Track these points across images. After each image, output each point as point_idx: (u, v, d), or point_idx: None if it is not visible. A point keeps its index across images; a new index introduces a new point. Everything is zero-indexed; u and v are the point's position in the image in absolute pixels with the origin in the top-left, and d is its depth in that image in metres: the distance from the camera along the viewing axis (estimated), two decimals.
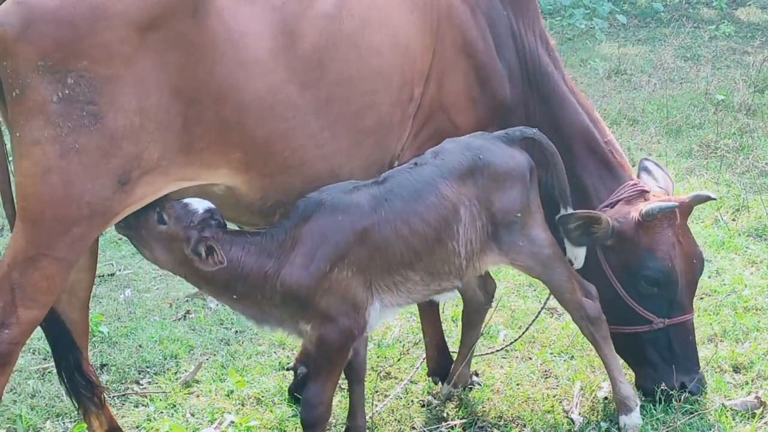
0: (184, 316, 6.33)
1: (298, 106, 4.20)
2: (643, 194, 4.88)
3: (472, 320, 5.08)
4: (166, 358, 5.73)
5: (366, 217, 4.20)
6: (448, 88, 4.68)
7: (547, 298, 5.26)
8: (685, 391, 4.82)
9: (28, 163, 3.85)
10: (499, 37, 4.82)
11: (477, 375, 5.28)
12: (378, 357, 5.58)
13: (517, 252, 4.50)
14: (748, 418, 4.77)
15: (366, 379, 4.69)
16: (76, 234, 3.94)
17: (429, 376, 5.31)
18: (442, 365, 5.26)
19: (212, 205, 4.17)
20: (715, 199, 5.23)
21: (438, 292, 4.49)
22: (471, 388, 5.17)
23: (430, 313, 5.22)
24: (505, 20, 4.85)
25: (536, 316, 5.42)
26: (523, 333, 5.44)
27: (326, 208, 4.19)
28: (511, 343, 5.50)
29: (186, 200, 4.15)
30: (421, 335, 5.37)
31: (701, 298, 6.04)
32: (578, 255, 4.73)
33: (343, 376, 4.52)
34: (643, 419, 4.73)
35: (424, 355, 5.36)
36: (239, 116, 4.08)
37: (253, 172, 4.22)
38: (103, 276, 6.78)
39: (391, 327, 5.90)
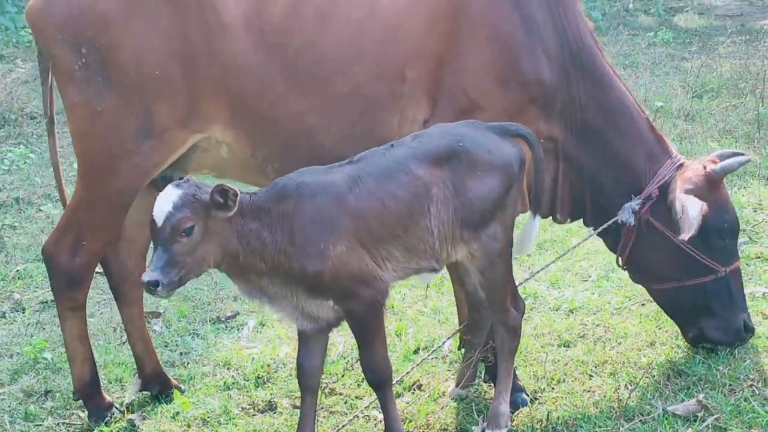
0: None
1: (267, 68, 4.69)
2: (683, 164, 5.19)
3: (476, 322, 5.10)
4: (111, 383, 5.68)
5: (345, 194, 4.28)
6: (466, 69, 4.80)
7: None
8: (748, 329, 5.31)
9: (72, 126, 4.74)
10: (531, 17, 4.89)
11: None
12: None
13: (478, 242, 4.54)
14: (691, 422, 4.82)
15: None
16: (119, 186, 4.74)
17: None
18: None
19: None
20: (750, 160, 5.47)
21: (417, 271, 4.54)
22: None
23: None
24: (541, 1, 4.94)
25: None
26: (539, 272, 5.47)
27: (306, 191, 4.25)
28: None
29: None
30: None
31: (643, 305, 6.11)
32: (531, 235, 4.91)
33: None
34: (587, 426, 4.78)
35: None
36: (221, 74, 4.67)
37: (239, 128, 4.78)
38: (46, 302, 6.72)
39: (335, 344, 5.90)
